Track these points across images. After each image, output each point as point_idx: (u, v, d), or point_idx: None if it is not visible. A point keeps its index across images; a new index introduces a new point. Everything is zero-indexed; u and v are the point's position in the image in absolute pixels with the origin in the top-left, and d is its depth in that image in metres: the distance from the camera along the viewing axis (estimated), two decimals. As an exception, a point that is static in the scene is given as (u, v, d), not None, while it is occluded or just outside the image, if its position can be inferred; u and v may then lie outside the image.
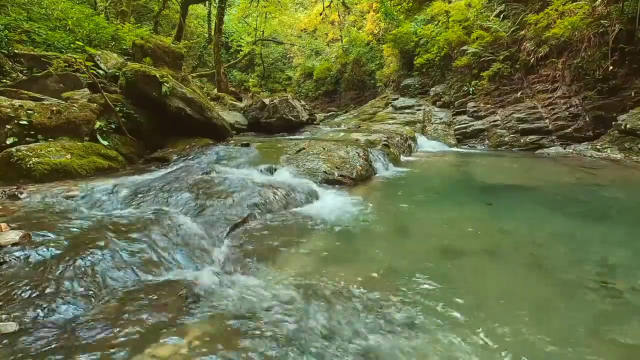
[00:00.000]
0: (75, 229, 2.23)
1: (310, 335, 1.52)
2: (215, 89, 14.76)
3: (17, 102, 4.32)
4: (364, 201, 3.77)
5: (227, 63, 21.05)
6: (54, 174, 3.75)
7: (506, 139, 9.01)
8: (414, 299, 1.83)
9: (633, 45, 7.11)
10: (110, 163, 4.50)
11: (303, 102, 10.93)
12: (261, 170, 4.45)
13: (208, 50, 20.41)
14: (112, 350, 1.35)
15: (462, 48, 10.61)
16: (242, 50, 21.60)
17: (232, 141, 6.22)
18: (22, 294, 1.58)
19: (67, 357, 1.30)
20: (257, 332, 1.52)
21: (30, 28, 8.58)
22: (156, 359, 1.33)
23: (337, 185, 4.33)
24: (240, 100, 15.19)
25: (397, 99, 13.01)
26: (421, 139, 9.41)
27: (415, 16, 14.03)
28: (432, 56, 12.05)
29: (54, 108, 4.49)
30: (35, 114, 4.26)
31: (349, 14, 20.40)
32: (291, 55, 23.38)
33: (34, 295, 1.59)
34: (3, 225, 2.11)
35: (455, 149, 9.36)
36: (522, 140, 8.75)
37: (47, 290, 1.63)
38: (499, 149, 8.94)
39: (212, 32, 16.86)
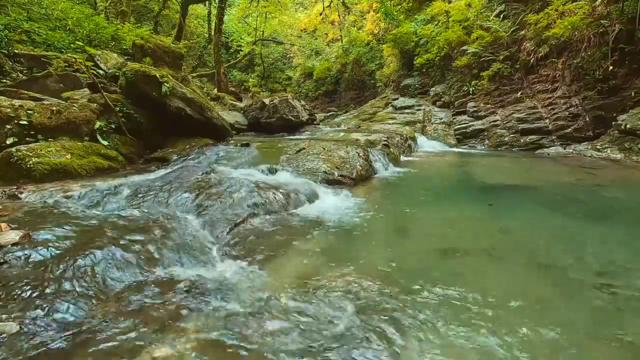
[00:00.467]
0: (75, 229, 2.23)
1: (311, 335, 1.52)
2: (215, 89, 14.76)
3: (17, 102, 4.32)
4: (364, 201, 3.77)
5: (227, 63, 21.05)
6: (54, 174, 3.75)
7: (506, 139, 9.01)
8: (413, 299, 1.83)
9: (633, 45, 7.10)
10: (110, 163, 4.50)
11: (303, 102, 10.94)
12: (261, 170, 4.44)
13: (208, 50, 20.41)
14: (112, 350, 1.35)
15: (462, 48, 10.61)
16: (242, 50, 21.60)
17: (232, 141, 6.22)
18: (22, 294, 1.58)
19: (67, 358, 1.30)
20: (257, 331, 1.52)
21: (30, 28, 8.57)
22: (157, 358, 1.33)
23: (337, 185, 4.33)
24: (240, 100, 15.18)
25: (397, 99, 13.01)
26: (421, 139, 9.41)
27: (415, 16, 14.03)
28: (432, 56, 12.06)
29: (54, 108, 4.49)
30: (35, 114, 4.26)
31: (349, 14, 20.40)
32: (291, 55, 23.38)
33: (34, 295, 1.59)
34: (3, 225, 2.11)
35: (455, 149, 9.35)
36: (522, 140, 8.75)
37: (47, 290, 1.63)
38: (499, 149, 8.94)
39: (212, 32, 16.86)
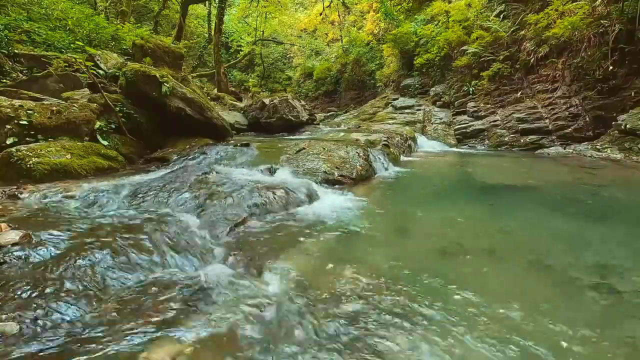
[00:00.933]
0: (75, 229, 2.23)
1: (311, 335, 1.52)
2: (215, 89, 14.76)
3: (17, 102, 4.32)
4: (364, 201, 3.77)
5: (227, 63, 21.06)
6: (54, 174, 3.75)
7: (506, 139, 9.01)
8: (413, 299, 1.83)
9: (633, 45, 7.10)
10: (110, 163, 4.50)
11: (303, 102, 10.93)
12: (261, 170, 4.44)
13: (208, 50, 20.41)
14: (112, 351, 1.35)
15: (462, 48, 10.61)
16: (242, 50, 21.60)
17: (232, 141, 6.22)
18: (22, 294, 1.58)
19: (67, 358, 1.30)
20: (257, 331, 1.52)
21: (30, 28, 8.57)
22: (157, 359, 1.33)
23: (337, 185, 4.33)
24: (240, 100, 15.18)
25: (397, 99, 13.01)
26: (421, 139, 9.40)
27: (415, 16, 14.03)
28: (432, 56, 12.05)
29: (54, 108, 4.49)
30: (35, 114, 4.26)
31: (349, 14, 20.40)
32: (291, 55, 23.38)
33: (34, 295, 1.59)
34: (3, 225, 2.11)
35: (455, 149, 9.35)
36: (522, 140, 8.75)
37: (47, 290, 1.63)
38: (499, 149, 8.94)
39: (212, 32, 16.87)
